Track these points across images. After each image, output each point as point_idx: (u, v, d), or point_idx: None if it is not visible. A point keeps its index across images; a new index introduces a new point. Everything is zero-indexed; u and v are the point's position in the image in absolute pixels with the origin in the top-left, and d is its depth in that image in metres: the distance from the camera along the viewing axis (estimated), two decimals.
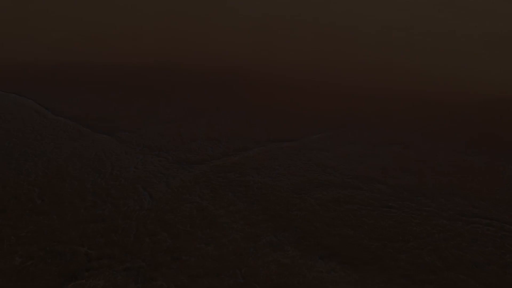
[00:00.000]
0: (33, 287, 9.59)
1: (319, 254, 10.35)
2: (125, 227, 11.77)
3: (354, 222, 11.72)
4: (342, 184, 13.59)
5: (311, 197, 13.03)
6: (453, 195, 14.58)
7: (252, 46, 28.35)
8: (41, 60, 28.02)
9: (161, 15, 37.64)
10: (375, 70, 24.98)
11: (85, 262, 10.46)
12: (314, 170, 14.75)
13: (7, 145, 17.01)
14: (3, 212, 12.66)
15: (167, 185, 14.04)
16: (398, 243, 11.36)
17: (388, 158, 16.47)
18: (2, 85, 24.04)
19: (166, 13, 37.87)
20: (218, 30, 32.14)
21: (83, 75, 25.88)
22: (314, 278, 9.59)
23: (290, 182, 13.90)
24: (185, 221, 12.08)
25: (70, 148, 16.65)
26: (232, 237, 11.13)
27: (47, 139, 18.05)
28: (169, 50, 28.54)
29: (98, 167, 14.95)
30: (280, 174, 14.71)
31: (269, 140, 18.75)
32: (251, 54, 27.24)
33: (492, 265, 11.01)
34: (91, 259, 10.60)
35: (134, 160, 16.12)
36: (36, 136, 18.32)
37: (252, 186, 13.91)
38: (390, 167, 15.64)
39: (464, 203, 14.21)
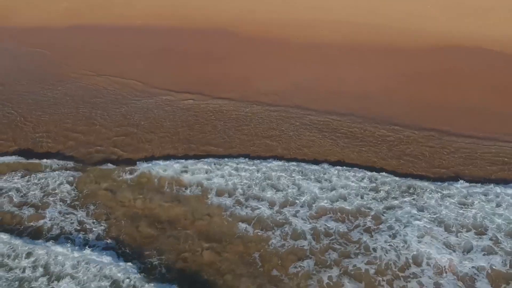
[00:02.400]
0: None
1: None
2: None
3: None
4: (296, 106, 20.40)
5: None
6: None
7: (238, 11, 31.86)
8: (54, 25, 31.44)
9: None
10: (342, 25, 28.80)
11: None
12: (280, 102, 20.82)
13: (44, 85, 22.55)
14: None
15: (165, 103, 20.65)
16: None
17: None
18: (28, 43, 27.84)
19: None
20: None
21: (91, 36, 29.39)
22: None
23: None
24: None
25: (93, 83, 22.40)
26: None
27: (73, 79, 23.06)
28: (171, 14, 31.99)
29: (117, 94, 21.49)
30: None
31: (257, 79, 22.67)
32: (238, 16, 30.74)
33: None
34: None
35: (147, 94, 21.06)
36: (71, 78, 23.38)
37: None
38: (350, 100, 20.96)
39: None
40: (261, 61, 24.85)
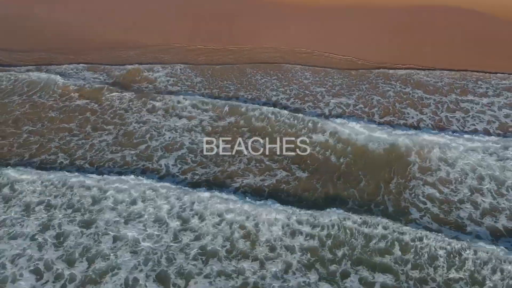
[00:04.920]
0: None
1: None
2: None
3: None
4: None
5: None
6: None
7: None
8: None
9: None
10: None
11: None
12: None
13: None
14: None
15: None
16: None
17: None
18: (55, 11, 30.87)
19: None
20: None
21: (113, 2, 32.41)
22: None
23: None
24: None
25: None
26: None
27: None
28: None
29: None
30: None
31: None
32: None
33: None
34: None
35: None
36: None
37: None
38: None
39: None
40: (267, 21, 28.30)
